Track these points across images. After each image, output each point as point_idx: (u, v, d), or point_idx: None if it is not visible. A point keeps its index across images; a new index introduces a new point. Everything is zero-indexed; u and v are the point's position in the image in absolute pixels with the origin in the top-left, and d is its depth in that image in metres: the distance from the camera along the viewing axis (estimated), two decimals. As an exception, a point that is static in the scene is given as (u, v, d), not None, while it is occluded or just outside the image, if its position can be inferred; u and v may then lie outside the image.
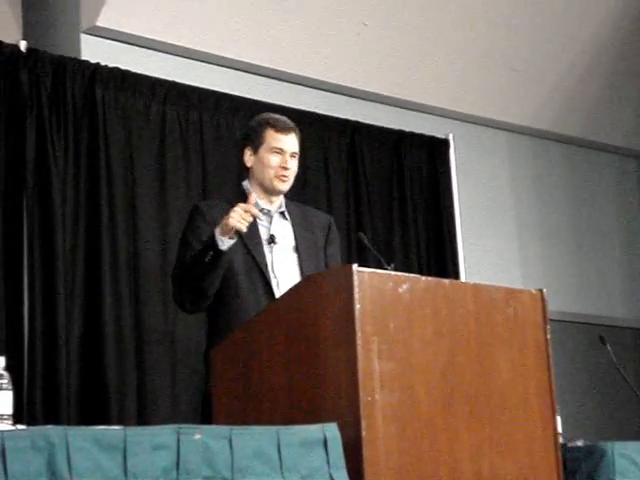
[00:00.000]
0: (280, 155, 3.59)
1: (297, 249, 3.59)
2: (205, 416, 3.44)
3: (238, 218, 3.31)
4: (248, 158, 3.63)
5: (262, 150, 3.60)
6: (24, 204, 4.66)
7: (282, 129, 3.61)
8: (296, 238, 3.60)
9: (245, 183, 3.68)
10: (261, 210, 3.58)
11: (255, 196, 3.48)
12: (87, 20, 5.11)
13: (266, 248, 3.56)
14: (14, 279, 4.57)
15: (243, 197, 3.56)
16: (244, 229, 3.34)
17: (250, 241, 3.52)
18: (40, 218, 4.67)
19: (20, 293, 4.57)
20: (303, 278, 3.46)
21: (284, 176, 3.59)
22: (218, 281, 3.46)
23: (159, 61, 5.35)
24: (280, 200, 3.68)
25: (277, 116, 3.72)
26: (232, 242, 3.36)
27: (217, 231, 3.35)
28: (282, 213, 3.66)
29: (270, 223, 3.62)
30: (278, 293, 3.47)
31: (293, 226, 3.65)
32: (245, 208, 3.33)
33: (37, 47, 4.87)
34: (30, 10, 5.38)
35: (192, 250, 3.49)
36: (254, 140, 3.62)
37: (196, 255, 3.43)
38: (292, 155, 3.62)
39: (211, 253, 3.35)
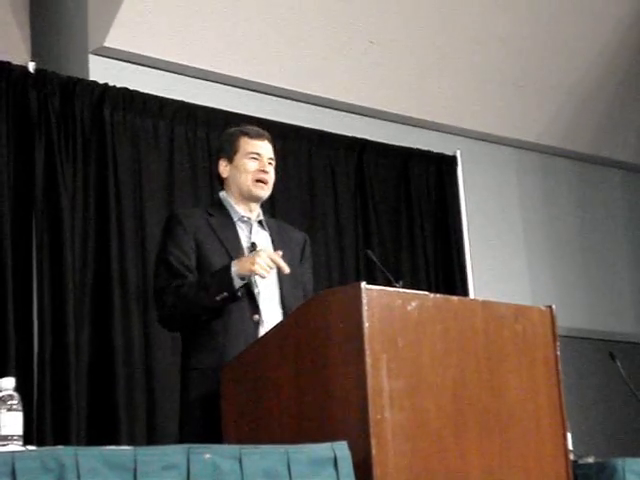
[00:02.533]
0: (257, 160, 3.52)
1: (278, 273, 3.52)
2: (182, 430, 3.40)
3: (264, 266, 3.22)
4: (223, 169, 3.54)
5: (238, 157, 3.52)
6: (33, 223, 4.68)
7: (256, 136, 3.56)
8: (275, 248, 3.48)
9: (222, 194, 3.58)
10: (241, 218, 3.53)
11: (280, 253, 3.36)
12: (95, 41, 5.14)
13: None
14: (24, 299, 4.58)
15: (219, 207, 3.52)
16: (266, 276, 3.27)
17: (232, 249, 3.43)
18: (49, 238, 4.68)
19: (30, 313, 4.57)
20: (312, 297, 3.44)
21: (263, 180, 3.51)
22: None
23: (167, 81, 5.37)
24: (258, 209, 3.59)
25: (249, 125, 3.69)
26: (243, 282, 3.30)
27: (234, 270, 3.25)
28: (260, 222, 3.59)
29: (250, 232, 3.53)
30: (260, 304, 3.40)
31: (272, 237, 3.57)
32: (271, 256, 3.26)
33: (45, 68, 4.90)
34: (38, 31, 5.41)
35: (176, 262, 3.37)
36: (228, 150, 3.55)
37: (202, 289, 3.31)
38: (269, 161, 3.55)
39: (225, 294, 3.26)
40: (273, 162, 3.58)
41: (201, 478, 2.33)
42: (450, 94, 6.42)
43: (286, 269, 3.29)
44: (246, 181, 3.49)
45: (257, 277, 3.32)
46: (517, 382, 3.05)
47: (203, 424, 3.26)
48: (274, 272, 3.40)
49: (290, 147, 5.60)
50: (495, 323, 3.05)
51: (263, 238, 3.54)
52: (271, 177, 3.55)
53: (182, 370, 3.48)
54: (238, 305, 3.35)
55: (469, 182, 6.45)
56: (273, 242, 3.54)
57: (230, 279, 3.25)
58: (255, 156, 3.51)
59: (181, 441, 3.25)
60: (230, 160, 3.54)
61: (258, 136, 3.56)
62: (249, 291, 3.38)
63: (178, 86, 5.39)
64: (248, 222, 3.54)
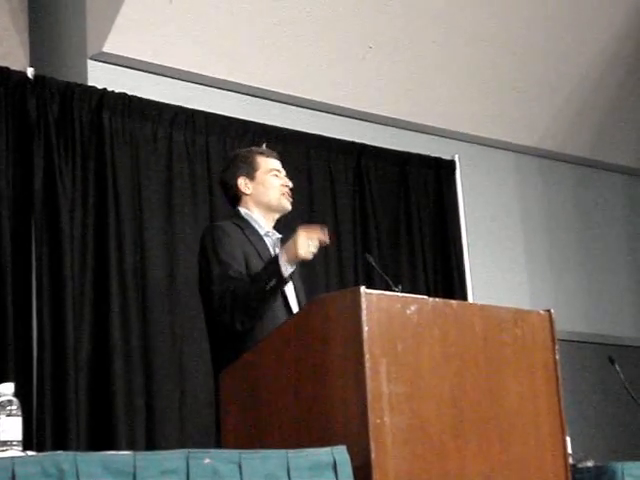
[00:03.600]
0: (278, 177, 3.71)
1: (292, 279, 3.59)
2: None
3: (307, 248, 3.31)
4: (245, 186, 3.70)
5: (260, 174, 3.70)
6: (32, 229, 4.68)
7: (270, 154, 3.77)
8: None
9: (243, 210, 3.70)
10: (266, 233, 3.66)
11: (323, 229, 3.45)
12: (94, 46, 5.14)
13: None
14: (23, 305, 4.58)
15: (242, 221, 3.64)
16: (311, 256, 3.36)
17: (265, 258, 3.54)
18: (48, 243, 4.68)
19: (29, 319, 4.57)
20: (309, 300, 3.46)
21: (288, 194, 3.71)
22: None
23: (165, 86, 5.37)
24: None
25: (258, 147, 3.89)
26: (293, 269, 3.37)
27: (282, 258, 3.33)
28: (280, 239, 3.70)
29: (275, 246, 3.65)
30: (292, 307, 3.53)
31: None
32: (310, 235, 3.33)
33: (44, 74, 4.90)
34: (37, 37, 5.42)
35: (230, 267, 3.45)
36: (247, 168, 3.71)
37: (254, 281, 3.40)
38: (286, 176, 3.75)
39: (275, 280, 3.33)
40: None
41: (201, 483, 2.33)
42: (448, 98, 6.43)
43: (327, 240, 3.38)
44: (275, 195, 3.68)
45: (287, 287, 3.47)
46: (516, 386, 3.05)
47: None
48: (292, 284, 3.54)
49: (288, 151, 5.59)
50: (494, 327, 3.05)
51: None
52: None
53: (216, 373, 3.51)
54: (275, 314, 3.43)
55: (468, 186, 6.46)
56: None
57: (278, 267, 3.33)
58: (276, 173, 3.72)
59: (218, 442, 3.28)
60: (251, 178, 3.70)
61: (272, 155, 3.77)
62: (286, 301, 3.50)
63: (177, 91, 5.39)
64: (271, 237, 3.67)
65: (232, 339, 3.49)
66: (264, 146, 3.88)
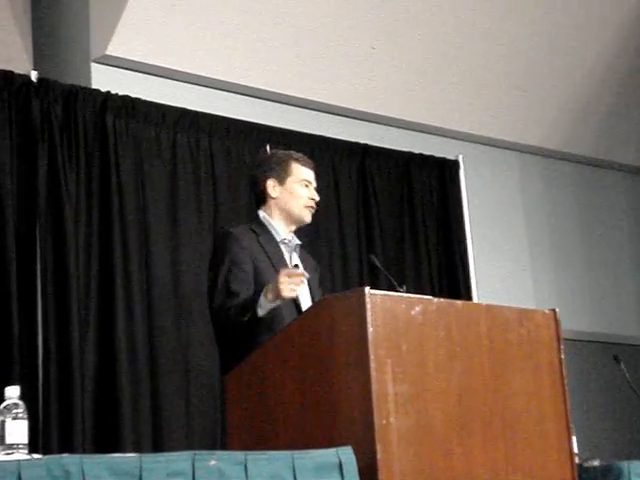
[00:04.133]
0: (307, 188, 3.68)
1: (308, 282, 3.59)
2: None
3: (288, 287, 3.25)
4: (272, 189, 3.66)
5: (290, 181, 3.66)
6: (37, 232, 4.69)
7: (306, 163, 3.72)
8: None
9: (263, 214, 3.68)
10: (282, 240, 3.63)
11: (299, 266, 3.47)
12: (97, 49, 5.15)
13: None
14: (28, 307, 4.58)
15: (261, 227, 3.62)
16: (295, 295, 3.32)
17: (278, 266, 3.51)
18: (53, 245, 4.69)
19: (34, 322, 4.58)
20: (315, 302, 3.47)
21: (312, 207, 3.68)
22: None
23: (169, 88, 5.38)
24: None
25: (297, 153, 3.81)
26: (272, 305, 3.33)
27: (263, 297, 3.30)
28: (300, 246, 3.71)
29: (291, 254, 3.65)
30: None
31: (301, 261, 3.69)
32: (290, 274, 3.28)
33: (48, 77, 4.91)
34: (40, 40, 5.42)
35: (234, 282, 3.44)
36: (279, 172, 3.67)
37: (240, 310, 3.38)
38: (315, 189, 3.72)
39: (249, 315, 3.32)
40: None
41: (207, 485, 2.33)
42: (452, 98, 6.43)
43: (306, 274, 3.34)
44: (298, 205, 3.65)
45: (301, 295, 3.45)
46: (522, 385, 3.05)
47: None
48: (308, 292, 3.54)
49: (292, 153, 5.60)
50: (499, 327, 3.05)
51: (297, 261, 3.66)
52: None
53: (223, 376, 3.50)
54: (287, 321, 3.37)
55: (472, 186, 6.45)
56: (305, 266, 3.64)
57: (255, 305, 3.30)
58: (307, 183, 3.68)
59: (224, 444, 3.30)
60: (281, 182, 3.67)
61: (308, 164, 3.73)
62: (298, 309, 3.47)
63: (180, 94, 5.40)
64: (288, 245, 3.65)
65: (239, 343, 3.47)
66: (299, 155, 3.79)
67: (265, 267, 3.51)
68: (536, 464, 3.01)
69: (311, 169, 3.72)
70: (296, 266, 3.56)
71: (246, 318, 3.32)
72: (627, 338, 7.16)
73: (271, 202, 3.68)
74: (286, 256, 3.61)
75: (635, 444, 6.79)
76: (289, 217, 3.66)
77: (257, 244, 3.56)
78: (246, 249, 3.51)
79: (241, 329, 3.37)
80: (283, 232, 3.65)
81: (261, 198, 3.71)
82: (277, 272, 3.38)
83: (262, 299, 3.29)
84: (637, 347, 7.12)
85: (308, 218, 3.68)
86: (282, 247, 3.63)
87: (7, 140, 4.69)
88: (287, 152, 3.80)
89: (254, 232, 3.59)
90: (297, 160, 3.71)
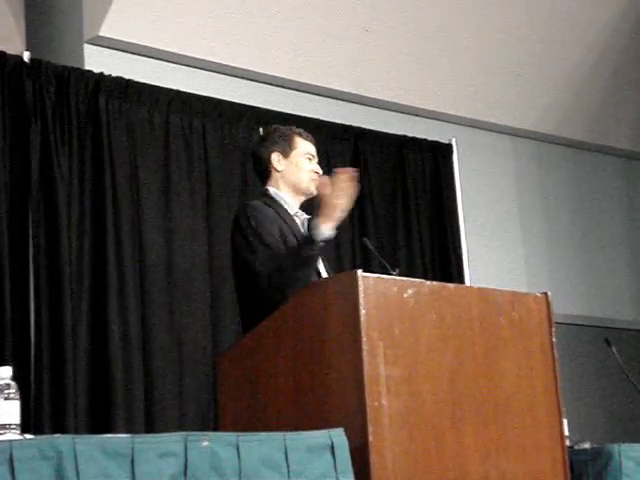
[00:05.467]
0: (311, 161, 3.71)
1: (324, 263, 3.61)
2: None
3: (333, 207, 3.27)
4: (278, 162, 3.68)
5: (294, 155, 3.69)
6: (29, 214, 4.68)
7: (308, 137, 3.76)
8: None
9: (272, 189, 3.68)
10: (295, 213, 3.65)
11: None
12: (90, 30, 5.13)
13: None
14: (20, 289, 4.59)
15: (273, 201, 3.61)
16: (344, 208, 3.31)
17: (299, 236, 3.52)
18: (45, 226, 4.69)
19: (26, 303, 4.58)
20: (308, 284, 3.45)
21: (316, 180, 3.68)
22: None
23: (162, 70, 5.37)
24: None
25: (298, 128, 3.82)
26: (328, 235, 3.33)
27: (317, 223, 3.30)
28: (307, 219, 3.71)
29: (303, 226, 3.64)
30: None
31: None
32: (334, 191, 3.28)
33: (40, 58, 4.90)
34: (33, 21, 5.40)
35: (273, 246, 3.43)
36: (283, 146, 3.70)
37: (292, 254, 3.38)
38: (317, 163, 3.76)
39: (310, 246, 3.32)
40: None
41: (199, 465, 2.34)
42: (446, 82, 6.42)
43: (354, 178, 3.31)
44: (305, 178, 3.67)
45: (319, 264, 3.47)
46: (513, 369, 3.06)
47: None
48: (321, 263, 3.53)
49: (286, 135, 5.59)
50: (491, 310, 3.06)
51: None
52: None
53: None
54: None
55: (465, 170, 6.46)
56: None
57: (311, 234, 3.32)
58: (310, 157, 3.72)
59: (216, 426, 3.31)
60: (285, 155, 3.69)
61: (310, 139, 3.77)
62: (318, 273, 3.47)
63: (173, 75, 5.38)
64: (299, 217, 3.67)
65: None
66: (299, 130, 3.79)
67: (288, 235, 3.50)
68: (527, 447, 3.02)
69: (313, 144, 3.76)
70: None
71: (313, 251, 3.30)
72: (618, 322, 7.18)
73: (277, 176, 3.69)
74: (301, 228, 3.61)
75: (626, 427, 6.82)
76: (296, 189, 3.68)
77: (276, 215, 3.57)
78: (269, 217, 3.53)
79: (304, 270, 3.33)
80: (294, 204, 3.68)
81: (266, 173, 3.72)
82: (298, 241, 3.42)
83: (319, 228, 3.29)
84: (628, 331, 7.15)
85: (314, 190, 3.66)
86: (296, 220, 3.64)
87: (0, 121, 4.67)
88: (289, 127, 3.82)
89: (269, 206, 3.60)
90: (300, 134, 3.75)
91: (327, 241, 3.34)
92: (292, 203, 3.67)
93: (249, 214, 3.54)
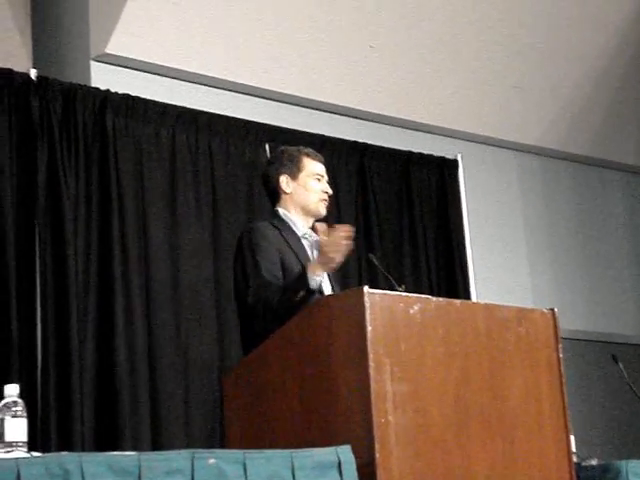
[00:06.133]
0: (320, 181, 3.70)
1: (329, 276, 3.61)
2: None
3: (329, 256, 3.27)
4: (286, 185, 3.68)
5: (302, 176, 3.68)
6: (36, 230, 4.69)
7: (316, 157, 3.75)
8: None
9: (281, 210, 3.69)
10: (304, 235, 3.65)
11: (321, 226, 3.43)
12: (96, 47, 5.15)
13: None
14: (27, 306, 4.58)
15: (281, 222, 3.62)
16: (340, 259, 3.31)
17: (303, 260, 3.52)
18: (52, 243, 4.69)
19: (33, 320, 4.58)
20: (314, 301, 3.45)
21: (326, 200, 3.71)
22: None
23: (168, 87, 5.38)
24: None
25: (306, 148, 3.82)
26: (321, 279, 3.35)
27: (310, 269, 3.31)
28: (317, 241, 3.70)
29: (311, 248, 3.64)
30: None
31: None
32: (334, 239, 3.29)
33: (47, 75, 4.91)
34: (40, 38, 5.42)
35: (268, 275, 3.43)
36: (291, 167, 3.69)
37: (285, 291, 3.36)
38: (327, 182, 3.75)
39: (303, 292, 3.30)
40: None
41: (206, 483, 2.33)
42: (451, 97, 6.43)
43: (351, 234, 3.32)
44: (314, 199, 3.68)
45: (323, 288, 3.45)
46: (520, 385, 3.06)
47: None
48: (329, 286, 3.56)
49: (291, 152, 5.60)
50: (497, 326, 3.06)
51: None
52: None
53: None
54: None
55: (470, 185, 6.46)
56: None
57: (306, 278, 3.29)
58: (319, 177, 3.71)
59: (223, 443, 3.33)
60: (293, 177, 3.69)
61: (319, 159, 3.75)
62: (321, 293, 3.45)
63: (180, 92, 5.40)
64: (308, 239, 3.66)
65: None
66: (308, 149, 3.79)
67: (291, 260, 3.51)
68: (534, 463, 3.01)
69: (321, 163, 3.75)
70: None
71: (299, 296, 3.29)
72: (625, 337, 7.17)
73: (286, 198, 3.69)
74: (308, 251, 3.61)
75: (633, 443, 6.80)
76: (305, 211, 3.68)
77: (281, 238, 3.57)
78: (272, 242, 3.53)
79: (285, 312, 3.30)
80: (302, 227, 3.67)
81: (276, 195, 3.72)
82: (303, 266, 3.39)
83: (309, 275, 3.28)
84: (635, 346, 7.13)
85: (324, 211, 3.70)
86: (304, 242, 3.64)
87: (7, 138, 4.69)
88: (297, 147, 3.81)
89: (276, 228, 3.60)
90: (308, 155, 3.73)
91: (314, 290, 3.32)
92: (301, 225, 3.67)
93: (251, 238, 3.54)
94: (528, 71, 6.61)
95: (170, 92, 5.34)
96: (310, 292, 3.32)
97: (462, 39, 6.23)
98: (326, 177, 3.74)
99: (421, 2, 5.96)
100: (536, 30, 6.45)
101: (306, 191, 3.67)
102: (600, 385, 6.86)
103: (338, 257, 3.28)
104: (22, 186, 4.70)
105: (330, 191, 3.71)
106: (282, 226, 3.62)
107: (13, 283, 4.54)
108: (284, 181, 3.68)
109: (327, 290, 3.56)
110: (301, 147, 3.81)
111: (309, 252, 3.61)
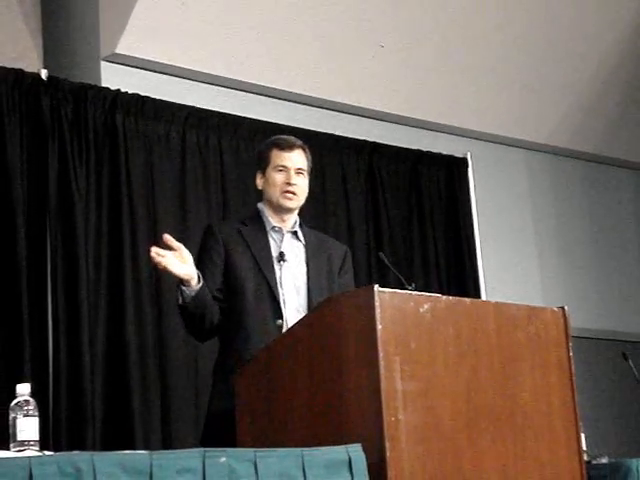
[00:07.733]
0: (284, 172, 3.62)
1: (307, 270, 3.61)
2: (206, 435, 3.51)
3: (156, 261, 3.36)
4: (259, 181, 3.69)
5: (268, 170, 3.64)
6: (47, 229, 4.71)
7: (285, 147, 3.65)
8: (307, 259, 3.63)
9: (260, 205, 3.72)
10: (273, 228, 3.64)
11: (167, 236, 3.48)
12: (107, 47, 5.16)
13: (276, 265, 3.58)
14: (38, 305, 4.60)
15: (258, 218, 3.65)
16: (162, 267, 3.37)
17: (260, 257, 3.55)
18: (63, 243, 4.71)
19: (44, 319, 4.60)
20: (325, 299, 3.46)
21: (289, 192, 3.61)
22: (211, 315, 3.51)
23: (178, 87, 5.39)
24: (294, 220, 3.70)
25: (283, 136, 3.79)
26: (194, 290, 3.42)
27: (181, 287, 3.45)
28: (294, 233, 3.68)
29: (281, 241, 3.63)
30: (284, 310, 3.50)
31: (306, 248, 3.67)
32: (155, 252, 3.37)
33: (58, 75, 4.93)
34: (50, 39, 5.44)
35: (203, 272, 3.49)
36: (261, 163, 3.68)
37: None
38: (297, 171, 3.64)
39: (181, 300, 3.47)
40: (304, 172, 3.69)
41: (217, 481, 2.34)
42: (460, 96, 6.43)
43: (175, 245, 3.40)
44: (275, 193, 3.62)
45: (283, 283, 3.51)
46: (530, 383, 3.06)
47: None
48: (304, 279, 3.57)
49: (301, 151, 5.60)
50: (508, 325, 3.06)
51: (295, 248, 3.65)
52: (299, 187, 3.65)
53: (213, 372, 3.68)
54: (261, 309, 3.47)
55: (480, 184, 6.46)
56: (307, 252, 3.65)
57: (178, 289, 3.47)
58: (281, 168, 3.63)
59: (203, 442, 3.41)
60: (263, 173, 3.68)
61: (288, 147, 3.66)
62: (272, 296, 3.48)
63: (190, 92, 5.41)
64: (280, 232, 3.65)
65: (221, 343, 3.65)
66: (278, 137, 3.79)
67: (240, 256, 3.54)
68: (545, 461, 3.01)
69: (291, 151, 3.65)
70: (281, 254, 3.56)
71: (180, 303, 3.46)
72: (636, 335, 7.16)
73: (262, 194, 3.71)
74: (273, 244, 3.60)
75: (644, 441, 6.79)
76: (273, 206, 3.65)
77: (237, 234, 3.59)
78: (219, 241, 3.57)
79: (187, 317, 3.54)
80: (275, 221, 3.65)
81: (258, 191, 3.76)
82: (255, 259, 3.49)
83: (182, 288, 3.42)
84: (646, 344, 7.12)
85: (287, 204, 3.62)
86: (272, 234, 3.62)
87: (17, 138, 4.70)
88: (270, 139, 3.75)
89: (243, 223, 3.64)
90: (277, 145, 3.67)
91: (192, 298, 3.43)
92: (272, 219, 3.66)
93: (203, 240, 3.65)
94: (537, 70, 6.60)
95: (180, 92, 5.35)
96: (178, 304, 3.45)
97: (471, 38, 6.23)
98: (295, 166, 3.64)
99: (430, 2, 5.96)
100: (545, 29, 6.45)
101: (269, 185, 3.64)
102: (610, 383, 6.85)
103: (159, 265, 3.34)
104: (33, 186, 4.72)
105: (292, 182, 3.61)
106: (250, 221, 3.64)
107: (24, 282, 4.55)
108: (258, 177, 3.69)
109: (289, 286, 3.56)
110: (276, 137, 3.76)
111: (273, 245, 3.61)
